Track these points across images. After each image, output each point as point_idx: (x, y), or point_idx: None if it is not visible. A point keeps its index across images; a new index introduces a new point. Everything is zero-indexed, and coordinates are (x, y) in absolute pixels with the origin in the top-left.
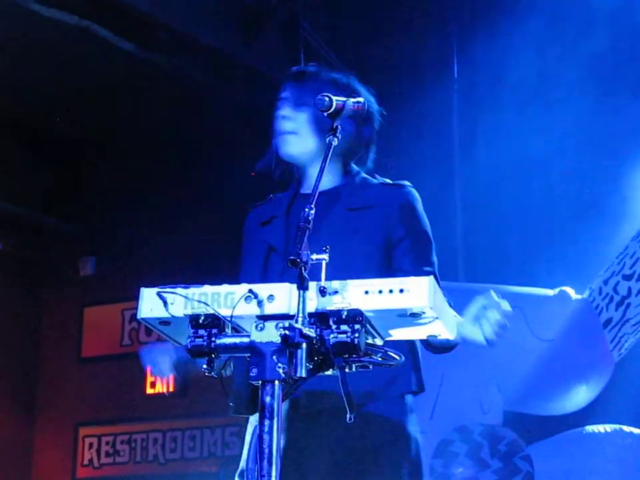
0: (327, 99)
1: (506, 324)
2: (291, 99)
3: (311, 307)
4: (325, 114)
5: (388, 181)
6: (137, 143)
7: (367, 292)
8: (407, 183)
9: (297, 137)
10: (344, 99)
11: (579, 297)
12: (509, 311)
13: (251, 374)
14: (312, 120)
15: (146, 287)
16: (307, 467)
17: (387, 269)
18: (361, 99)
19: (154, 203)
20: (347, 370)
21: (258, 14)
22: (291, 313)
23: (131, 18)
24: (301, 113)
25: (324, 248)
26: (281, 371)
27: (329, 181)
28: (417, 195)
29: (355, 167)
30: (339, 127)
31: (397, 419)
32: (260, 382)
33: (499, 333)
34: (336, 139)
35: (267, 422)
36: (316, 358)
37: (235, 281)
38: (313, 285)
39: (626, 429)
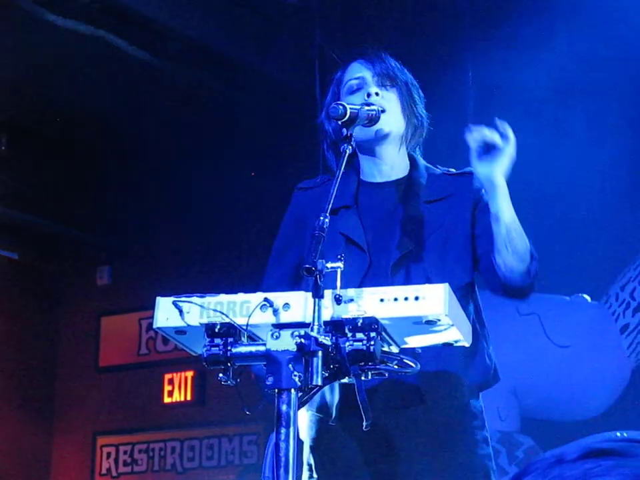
0: (341, 107)
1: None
2: (376, 77)
3: (327, 315)
4: (339, 122)
5: (452, 170)
6: (153, 152)
7: (382, 300)
8: (471, 169)
9: (388, 114)
10: (358, 106)
11: (596, 302)
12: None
13: (267, 382)
14: (400, 99)
15: (162, 296)
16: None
17: (473, 256)
18: (374, 107)
19: (170, 212)
20: (362, 378)
21: (272, 22)
22: (307, 321)
23: (146, 28)
24: (389, 92)
25: (338, 256)
26: (297, 379)
27: (396, 171)
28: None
29: (415, 155)
30: (352, 135)
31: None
32: (276, 390)
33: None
34: (350, 147)
35: (283, 430)
36: (332, 366)
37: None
38: (328, 293)
39: None
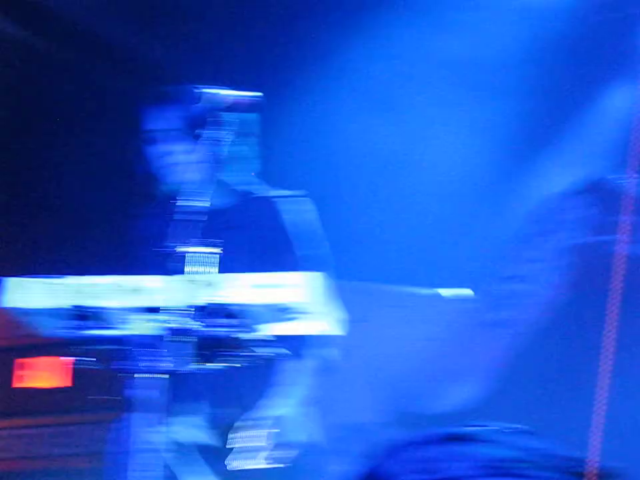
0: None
1: None
2: (174, 129)
3: (193, 300)
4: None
5: (253, 191)
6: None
7: (248, 286)
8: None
9: (188, 165)
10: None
11: (461, 296)
12: None
13: (130, 367)
14: (200, 144)
15: (9, 277)
16: None
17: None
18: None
19: (12, 192)
20: (227, 364)
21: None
22: (173, 306)
23: (29, 9)
24: (181, 145)
25: (213, 241)
26: (161, 364)
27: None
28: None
29: (224, 180)
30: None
31: None
32: (139, 375)
33: None
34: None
35: (147, 415)
36: (198, 352)
37: None
38: (193, 278)
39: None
